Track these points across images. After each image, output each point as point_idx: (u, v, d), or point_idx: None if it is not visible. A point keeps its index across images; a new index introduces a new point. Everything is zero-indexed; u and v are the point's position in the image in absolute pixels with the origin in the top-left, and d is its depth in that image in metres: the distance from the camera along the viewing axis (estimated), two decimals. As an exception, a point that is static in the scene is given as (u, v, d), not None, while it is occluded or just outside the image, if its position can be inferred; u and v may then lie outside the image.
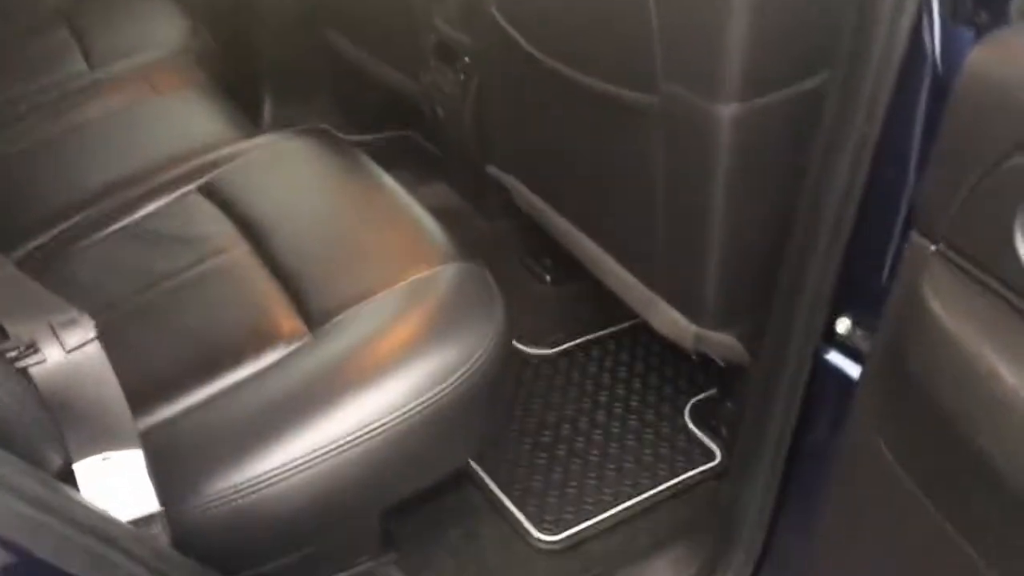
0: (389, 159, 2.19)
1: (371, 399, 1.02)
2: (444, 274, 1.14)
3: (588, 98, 1.29)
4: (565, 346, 1.69)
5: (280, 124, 2.35)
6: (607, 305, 1.51)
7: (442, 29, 1.71)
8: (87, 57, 1.71)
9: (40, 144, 1.50)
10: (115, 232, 1.29)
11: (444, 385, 1.03)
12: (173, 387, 1.02)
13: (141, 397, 1.00)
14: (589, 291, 1.55)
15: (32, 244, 1.29)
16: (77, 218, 1.32)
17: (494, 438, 1.43)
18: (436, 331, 1.08)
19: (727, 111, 1.09)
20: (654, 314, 1.35)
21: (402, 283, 1.12)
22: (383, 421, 1.01)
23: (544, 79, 1.36)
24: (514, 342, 1.68)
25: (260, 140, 1.45)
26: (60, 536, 0.65)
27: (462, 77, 1.68)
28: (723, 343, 1.29)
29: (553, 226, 1.53)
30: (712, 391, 1.58)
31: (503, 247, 1.85)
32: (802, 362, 1.08)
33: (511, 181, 1.62)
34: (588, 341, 1.70)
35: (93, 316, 1.11)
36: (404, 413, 1.02)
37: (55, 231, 1.31)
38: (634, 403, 1.58)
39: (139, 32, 1.76)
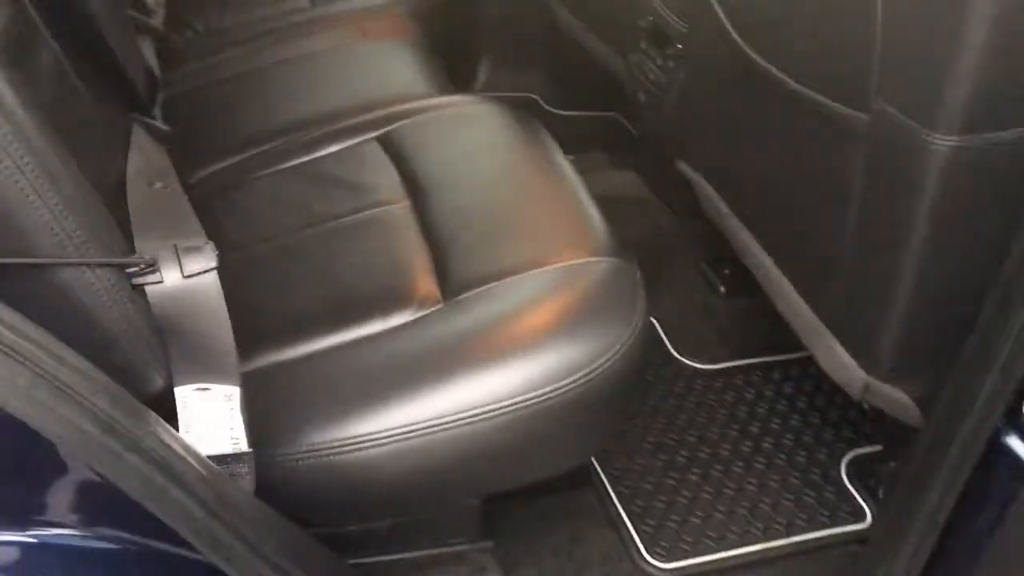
0: (590, 137, 2.17)
1: (489, 380, 0.98)
2: (592, 266, 1.08)
3: (793, 106, 1.18)
4: (726, 364, 1.58)
5: (491, 88, 2.36)
6: (779, 329, 1.39)
7: (659, 10, 1.62)
8: (311, -6, 1.75)
9: (245, 74, 1.54)
10: (289, 168, 1.31)
11: (567, 380, 0.98)
12: (295, 330, 1.02)
13: (262, 333, 1.01)
14: (763, 310, 1.43)
15: (213, 168, 1.34)
16: (258, 150, 1.35)
17: (605, 443, 1.35)
18: (570, 323, 1.02)
19: (944, 144, 0.95)
20: (823, 351, 1.23)
21: (546, 268, 1.07)
22: (498, 405, 0.97)
23: (751, 79, 1.26)
24: (671, 349, 1.60)
25: (448, 100, 1.43)
26: (118, 458, 0.64)
27: (670, 64, 1.59)
28: (894, 399, 1.15)
29: (733, 234, 1.43)
30: (876, 447, 1.42)
31: (682, 247, 1.76)
32: (976, 439, 0.94)
33: (699, 180, 1.53)
34: (751, 364, 1.58)
35: (246, 245, 1.14)
36: (521, 401, 0.97)
37: (236, 159, 1.35)
38: (787, 441, 1.45)
39: (363, -24, 1.78)
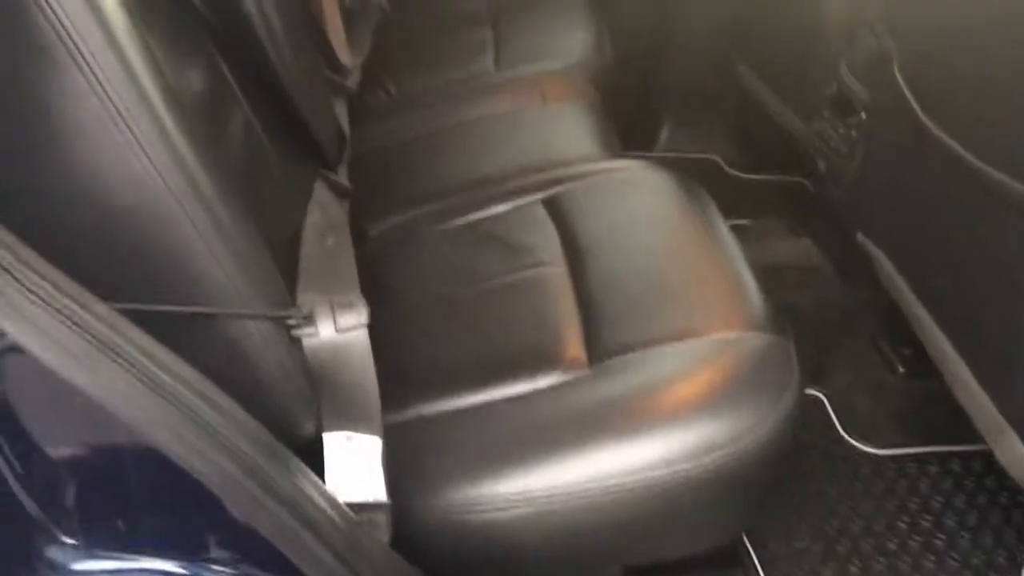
0: (771, 202, 2.12)
1: (632, 450, 0.97)
2: (746, 342, 1.05)
3: (980, 188, 1.11)
4: (899, 450, 1.48)
5: (672, 148, 2.36)
6: (962, 417, 1.29)
7: (844, 79, 1.57)
8: (497, 58, 1.82)
9: (428, 134, 1.62)
10: (458, 226, 1.36)
11: (706, 458, 0.95)
12: (442, 384, 1.05)
13: (410, 385, 1.05)
14: (944, 395, 1.34)
15: (389, 222, 1.41)
16: (431, 207, 1.40)
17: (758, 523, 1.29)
18: (714, 399, 0.99)
19: None
20: (1002, 446, 1.14)
21: (696, 339, 1.05)
22: (637, 477, 0.96)
23: (935, 156, 1.20)
24: (840, 430, 1.52)
25: (615, 164, 1.44)
26: (255, 500, 0.69)
27: (853, 134, 1.54)
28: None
29: (913, 313, 1.35)
30: (1065, 557, 1.29)
31: (858, 321, 1.68)
32: None
33: (878, 254, 1.46)
34: (928, 453, 1.47)
35: (407, 298, 1.19)
36: (660, 474, 0.96)
37: (411, 214, 1.41)
38: (963, 540, 1.34)
39: (547, 41, 1.83)
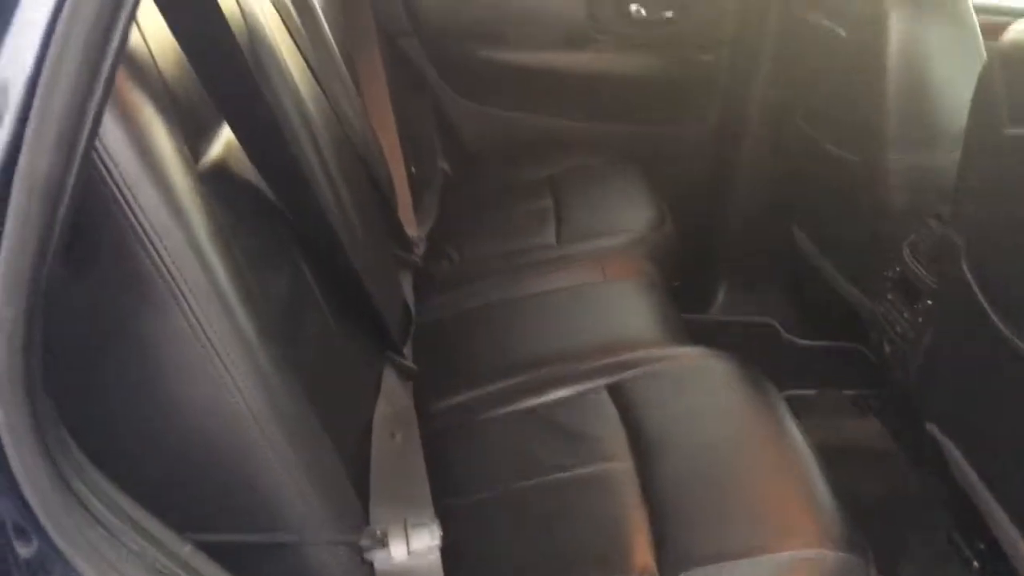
0: (832, 371, 2.09)
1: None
2: (821, 561, 1.02)
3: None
4: (979, 657, 1.41)
5: (728, 311, 2.36)
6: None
7: (907, 262, 1.57)
8: (558, 232, 1.85)
9: (490, 306, 1.64)
10: (520, 411, 1.35)
11: None
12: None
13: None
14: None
15: (451, 401, 1.41)
16: (493, 387, 1.41)
17: None
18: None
19: None
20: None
21: (772, 556, 1.02)
22: None
23: (1004, 351, 1.18)
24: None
25: (680, 351, 1.44)
26: None
27: (919, 320, 1.53)
28: None
29: (987, 510, 1.31)
30: None
31: (931, 513, 1.62)
32: None
33: (949, 446, 1.42)
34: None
35: (472, 491, 1.19)
36: None
37: (472, 393, 1.41)
38: None
39: (607, 216, 1.87)
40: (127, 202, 0.67)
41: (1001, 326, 1.20)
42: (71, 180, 0.53)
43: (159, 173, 0.69)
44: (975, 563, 1.54)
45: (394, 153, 1.87)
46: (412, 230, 1.77)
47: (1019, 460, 1.23)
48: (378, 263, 1.30)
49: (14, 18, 0.51)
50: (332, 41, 1.60)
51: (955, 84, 1.61)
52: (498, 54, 2.26)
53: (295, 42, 1.32)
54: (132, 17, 0.53)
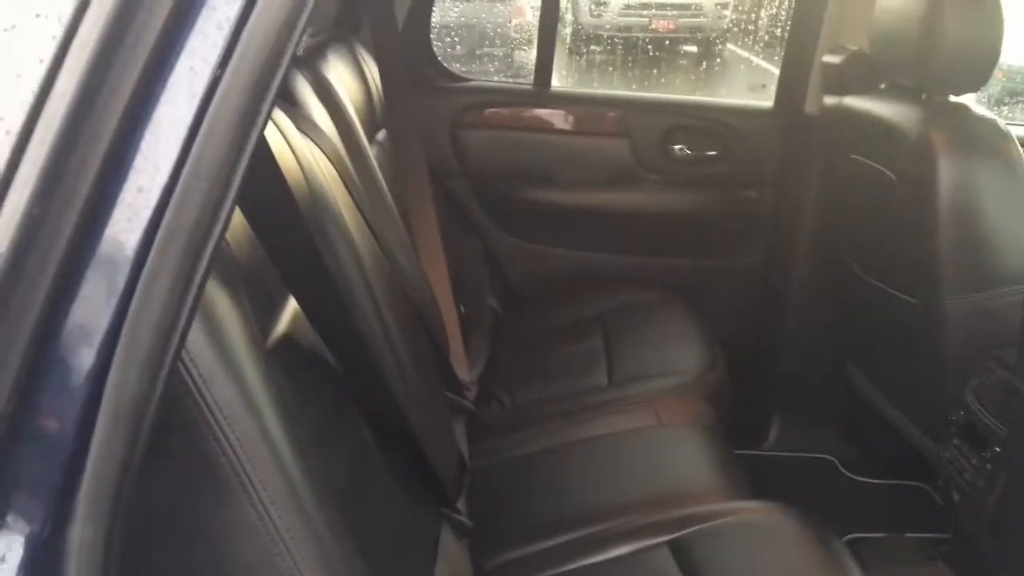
0: (895, 511, 2.01)
1: None
2: None
3: None
4: None
5: (783, 446, 2.30)
6: None
7: (973, 407, 1.53)
8: (610, 373, 1.84)
9: (543, 452, 1.61)
10: (578, 569, 1.31)
11: None
12: None
13: None
14: None
15: (506, 557, 1.37)
16: (549, 543, 1.37)
17: None
18: None
19: None
20: None
21: None
22: None
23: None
24: None
25: (743, 505, 1.40)
26: None
27: (988, 467, 1.48)
28: None
29: None
30: None
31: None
32: None
33: (1031, 605, 1.35)
34: None
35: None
36: None
37: (529, 549, 1.37)
38: None
39: (659, 357, 1.85)
40: (201, 395, 0.67)
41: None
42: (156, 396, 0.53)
43: (234, 366, 0.70)
44: None
45: (444, 293, 1.88)
46: (464, 373, 1.76)
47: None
48: (434, 419, 1.29)
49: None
50: (385, 188, 1.63)
51: (1008, 223, 1.60)
52: (544, 194, 2.30)
53: (351, 196, 1.35)
54: (223, 235, 0.54)
